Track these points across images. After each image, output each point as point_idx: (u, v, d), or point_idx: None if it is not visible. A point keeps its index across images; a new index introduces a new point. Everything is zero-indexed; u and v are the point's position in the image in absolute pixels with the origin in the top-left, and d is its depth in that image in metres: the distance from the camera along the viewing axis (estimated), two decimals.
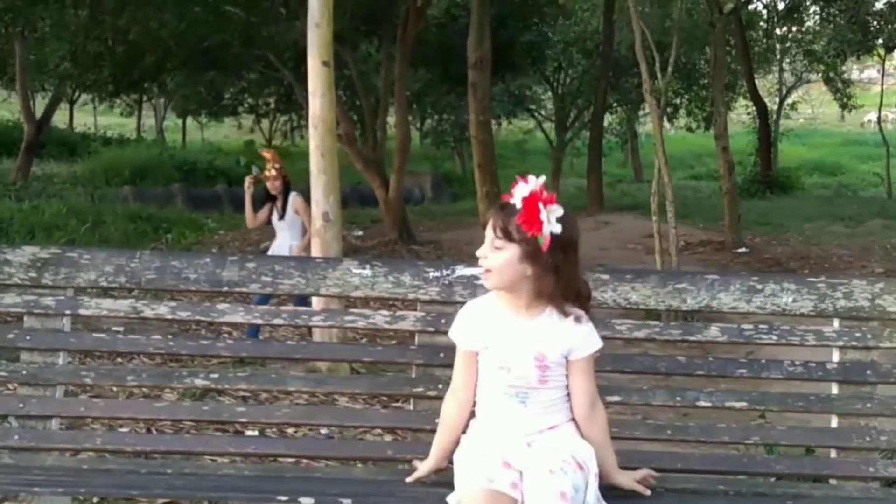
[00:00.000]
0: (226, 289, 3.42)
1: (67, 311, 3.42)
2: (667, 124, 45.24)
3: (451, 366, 3.32)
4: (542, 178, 3.02)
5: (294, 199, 9.01)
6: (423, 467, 3.13)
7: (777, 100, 35.07)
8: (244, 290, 3.43)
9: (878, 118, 30.51)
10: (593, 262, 12.22)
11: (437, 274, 3.43)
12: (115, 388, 5.27)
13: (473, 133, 15.20)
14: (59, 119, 37.55)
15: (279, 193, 9.02)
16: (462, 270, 3.43)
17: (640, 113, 38.37)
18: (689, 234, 17.91)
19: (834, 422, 3.32)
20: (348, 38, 16.71)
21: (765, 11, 28.91)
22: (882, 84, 30.76)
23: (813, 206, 23.76)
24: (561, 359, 3.05)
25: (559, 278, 2.98)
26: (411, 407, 3.38)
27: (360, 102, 20.35)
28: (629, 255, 16.28)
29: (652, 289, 3.38)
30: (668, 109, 29.89)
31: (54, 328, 3.41)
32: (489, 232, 3.02)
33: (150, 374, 3.55)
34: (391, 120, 20.91)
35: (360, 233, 18.10)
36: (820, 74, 32.45)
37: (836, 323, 3.36)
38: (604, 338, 3.18)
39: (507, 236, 2.98)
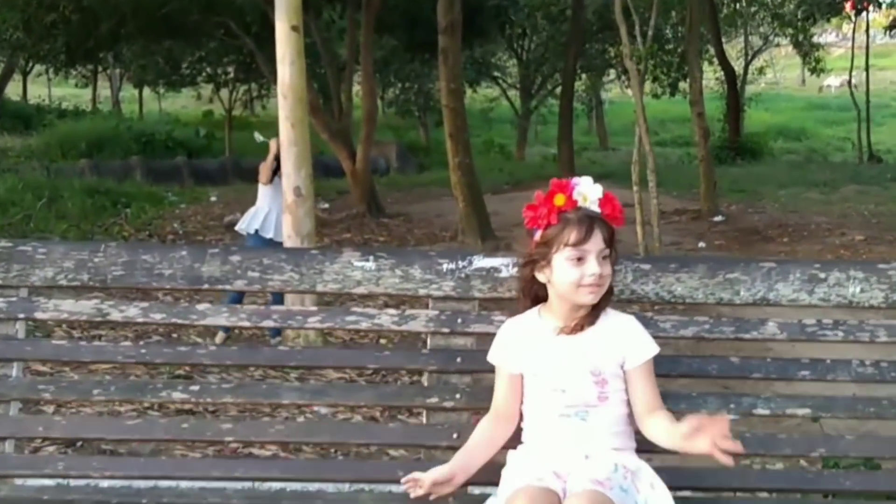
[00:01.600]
0: (206, 286, 2.93)
1: (21, 315, 2.93)
2: (628, 91, 45.06)
3: (469, 372, 2.93)
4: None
5: None
6: (430, 473, 2.68)
7: (742, 64, 34.74)
8: (228, 287, 2.95)
9: (850, 82, 30.26)
10: None
11: (452, 266, 2.96)
12: (78, 404, 4.71)
13: (444, 101, 14.70)
14: (13, 91, 36.84)
15: None
16: (480, 261, 2.96)
17: (605, 79, 38.07)
18: (664, 203, 17.55)
19: None
20: (311, 4, 16.15)
21: None
22: (853, 48, 30.48)
23: (785, 173, 23.55)
24: (618, 370, 2.72)
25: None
26: (424, 420, 2.92)
27: (324, 71, 19.84)
28: None
29: (700, 280, 2.94)
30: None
31: (6, 334, 2.93)
32: (591, 248, 2.68)
33: (120, 386, 3.03)
34: (356, 89, 20.40)
35: (327, 205, 17.61)
36: (789, 38, 32.14)
37: None
38: None
39: (613, 245, 2.74)
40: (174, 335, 7.37)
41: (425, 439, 2.92)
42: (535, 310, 2.80)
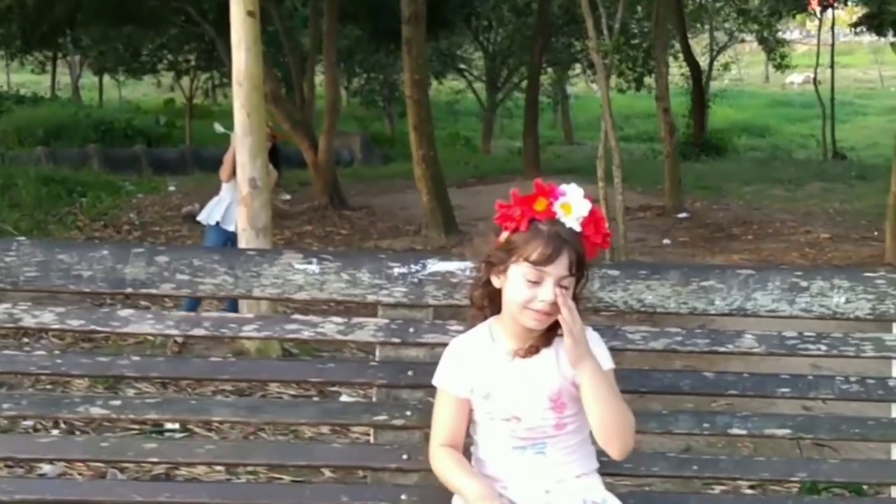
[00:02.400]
0: (130, 290, 2.66)
1: None
2: (594, 85, 44.98)
3: (421, 387, 2.66)
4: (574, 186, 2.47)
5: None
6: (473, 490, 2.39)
7: (707, 60, 34.66)
8: (153, 291, 2.66)
9: (815, 79, 30.21)
10: None
11: (404, 270, 2.70)
12: None
13: (408, 93, 14.41)
14: None
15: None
16: (435, 265, 2.71)
17: (571, 74, 37.90)
18: (629, 199, 17.38)
19: None
20: None
21: None
22: (818, 45, 30.47)
23: (750, 169, 23.47)
24: (574, 390, 2.44)
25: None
26: (372, 439, 2.66)
27: (287, 59, 19.50)
28: None
29: (672, 287, 2.70)
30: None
31: None
32: (558, 267, 2.39)
33: (33, 400, 2.71)
34: (319, 78, 20.08)
35: (288, 197, 17.29)
36: (754, 34, 32.09)
37: None
38: (613, 349, 2.57)
39: (580, 271, 2.45)
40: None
41: (373, 460, 2.66)
42: (485, 328, 2.53)
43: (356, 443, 3.74)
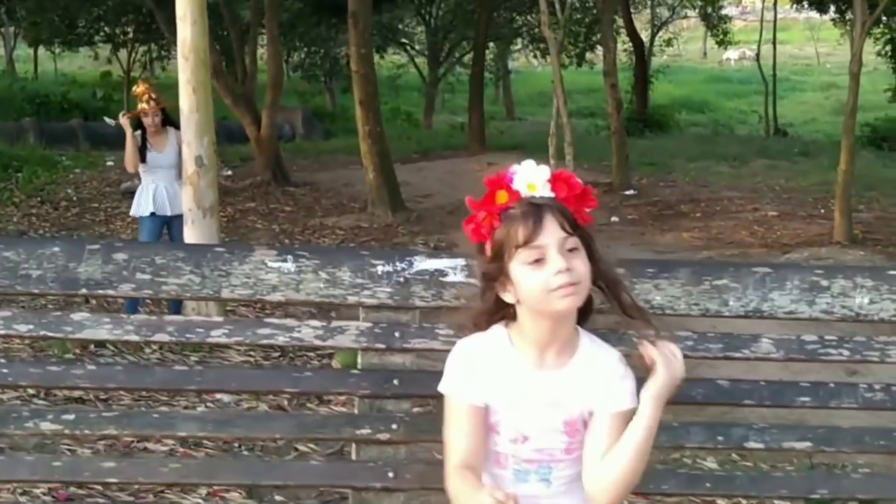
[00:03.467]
0: (84, 290, 2.38)
1: None
2: (534, 61, 44.89)
3: (408, 397, 2.41)
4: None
5: (178, 134, 7.80)
6: None
7: (649, 36, 34.66)
8: (111, 292, 2.38)
9: (758, 55, 30.27)
10: None
11: (389, 268, 2.45)
12: None
13: (354, 67, 14.08)
14: None
15: (156, 129, 7.82)
16: (423, 263, 2.45)
17: (513, 48, 37.74)
18: (577, 176, 17.32)
19: None
20: None
21: None
22: (761, 21, 30.56)
23: (693, 146, 23.44)
24: (587, 415, 2.21)
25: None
26: (354, 456, 2.41)
27: (227, 32, 19.05)
28: None
29: (682, 287, 2.48)
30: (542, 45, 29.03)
31: None
32: (549, 237, 2.14)
33: None
34: (260, 52, 19.66)
35: (230, 172, 16.92)
36: (697, 10, 32.11)
37: None
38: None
39: (577, 229, 2.18)
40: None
41: (355, 479, 2.41)
42: (502, 333, 2.24)
43: (335, 460, 3.45)
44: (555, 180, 2.20)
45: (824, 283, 2.49)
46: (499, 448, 2.21)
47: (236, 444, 3.69)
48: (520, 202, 2.17)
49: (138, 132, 7.79)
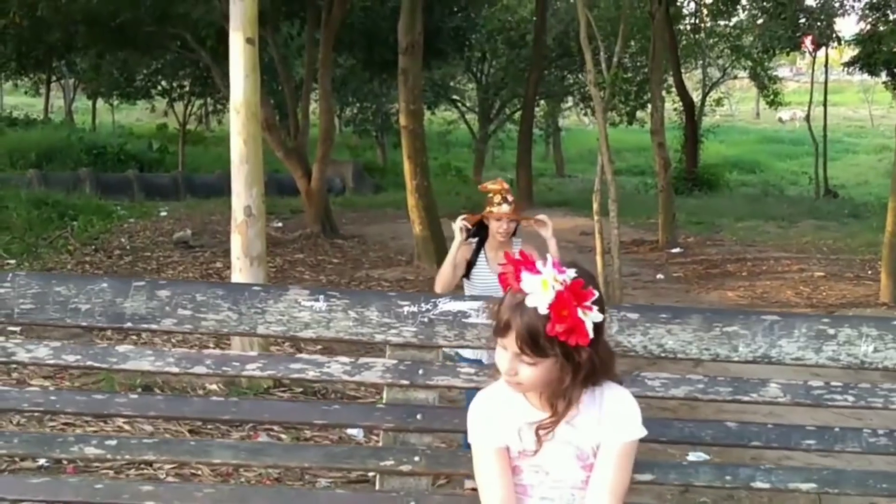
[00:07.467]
0: (129, 325, 2.54)
1: None
2: (585, 119, 45.06)
3: (430, 431, 2.54)
4: (550, 259, 2.28)
5: (521, 245, 5.39)
6: None
7: (700, 95, 34.76)
8: (154, 326, 2.55)
9: (808, 116, 30.21)
10: None
11: (414, 308, 2.59)
12: None
13: (403, 123, 14.33)
14: None
15: (506, 239, 5.40)
16: (446, 304, 2.60)
17: (564, 106, 37.98)
18: (622, 233, 17.40)
19: None
20: (270, 19, 15.78)
21: (693, 5, 28.46)
22: (812, 82, 30.55)
23: (742, 205, 23.46)
24: (598, 449, 2.33)
25: (600, 361, 2.26)
26: (377, 486, 2.55)
27: (281, 87, 19.44)
28: (563, 255, 15.59)
29: (694, 332, 2.59)
30: (592, 104, 29.23)
31: None
32: (508, 345, 2.24)
33: (24, 438, 2.61)
34: (313, 107, 20.03)
35: (280, 224, 17.21)
36: (747, 70, 32.18)
37: None
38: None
39: (540, 353, 2.21)
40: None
41: None
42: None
43: (360, 490, 3.59)
44: (556, 304, 2.20)
45: (831, 331, 2.60)
46: (523, 481, 2.33)
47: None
48: (520, 292, 2.23)
49: (473, 240, 5.50)
